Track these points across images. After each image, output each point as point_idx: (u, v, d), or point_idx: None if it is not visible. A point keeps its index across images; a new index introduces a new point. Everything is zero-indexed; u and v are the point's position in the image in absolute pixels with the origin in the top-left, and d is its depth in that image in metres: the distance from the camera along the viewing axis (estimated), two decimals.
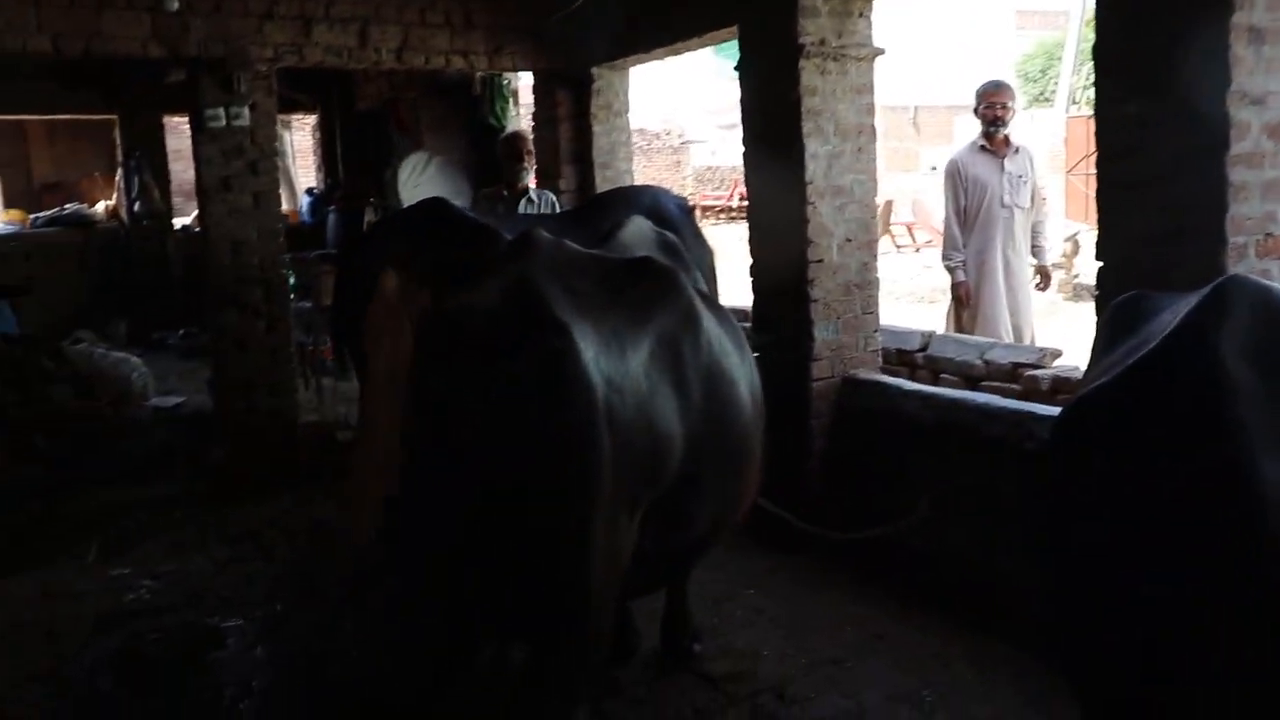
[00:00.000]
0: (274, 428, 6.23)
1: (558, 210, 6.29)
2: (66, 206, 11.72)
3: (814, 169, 4.95)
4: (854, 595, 4.57)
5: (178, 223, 11.72)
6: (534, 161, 6.11)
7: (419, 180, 8.90)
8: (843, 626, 4.32)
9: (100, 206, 12.08)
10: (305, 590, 4.89)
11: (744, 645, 4.20)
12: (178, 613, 4.64)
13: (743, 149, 5.35)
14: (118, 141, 11.91)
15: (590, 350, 2.51)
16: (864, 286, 5.18)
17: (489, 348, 2.46)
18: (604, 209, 5.29)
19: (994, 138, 6.43)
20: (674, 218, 5.41)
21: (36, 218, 11.93)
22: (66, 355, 7.19)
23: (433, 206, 4.86)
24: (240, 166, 6.05)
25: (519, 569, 2.54)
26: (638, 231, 4.09)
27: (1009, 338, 6.35)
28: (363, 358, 4.81)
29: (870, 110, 5.15)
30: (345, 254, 4.77)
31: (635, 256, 3.18)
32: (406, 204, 8.70)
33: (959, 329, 6.61)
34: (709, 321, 3.00)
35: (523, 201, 6.09)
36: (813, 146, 4.94)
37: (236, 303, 6.09)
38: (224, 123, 5.94)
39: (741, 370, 3.12)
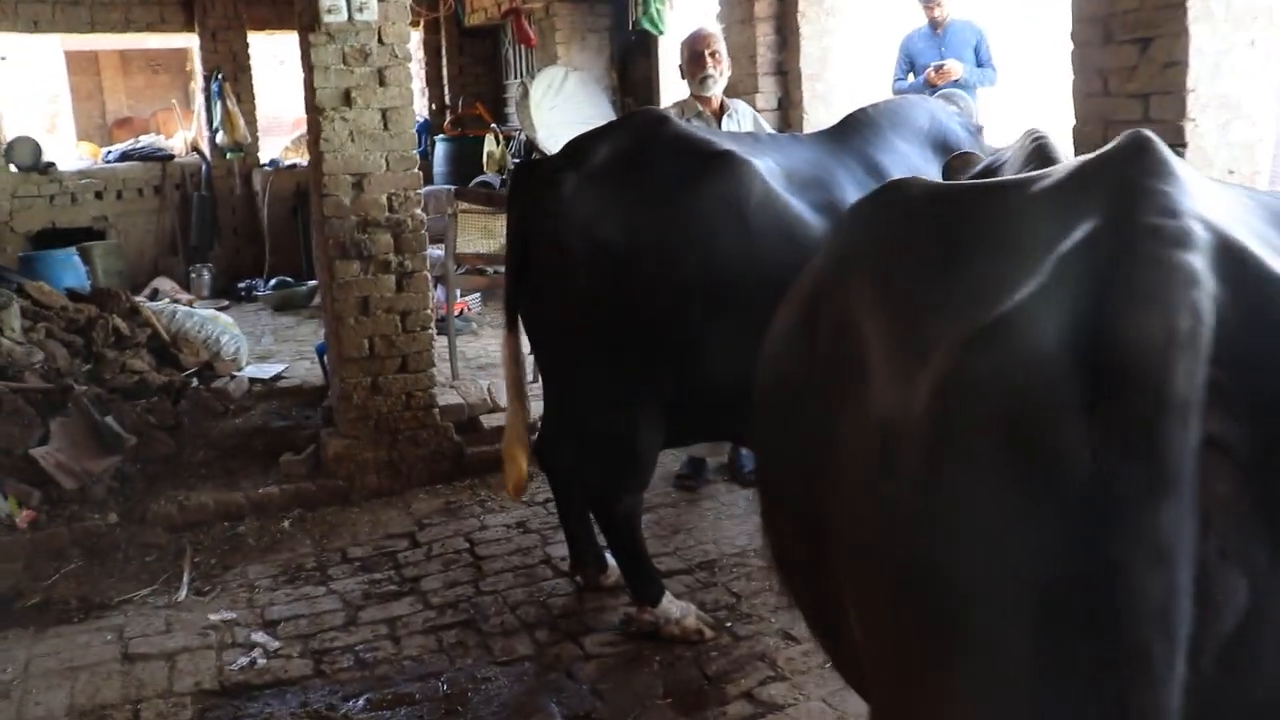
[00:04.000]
0: (407, 412, 4.90)
1: (766, 129, 4.81)
2: (141, 139, 10.47)
3: (1198, 70, 3.41)
4: None
5: (264, 157, 10.40)
6: (724, 67, 4.61)
7: (555, 100, 7.45)
8: None
9: (179, 139, 10.82)
10: (478, 646, 3.55)
11: None
12: (304, 690, 3.33)
13: (1072, 46, 3.80)
14: (196, 72, 10.63)
15: None
16: None
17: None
18: (865, 130, 3.82)
19: None
20: (963, 145, 3.92)
21: (108, 152, 10.68)
22: (144, 315, 5.90)
23: (650, 124, 3.43)
24: (365, 75, 4.65)
25: None
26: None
27: None
28: (541, 317, 3.46)
29: None
30: (530, 187, 3.34)
31: None
32: (542, 128, 7.31)
33: None
34: None
35: (724, 119, 4.61)
36: (1200, 37, 3.39)
37: (359, 253, 4.73)
38: (345, 16, 4.54)
39: None
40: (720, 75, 4.58)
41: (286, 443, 5.16)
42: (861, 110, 3.96)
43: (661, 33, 7.38)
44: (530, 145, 7.57)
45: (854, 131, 3.82)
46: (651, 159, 3.31)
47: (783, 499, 1.69)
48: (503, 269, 5.92)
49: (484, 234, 5.56)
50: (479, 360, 6.40)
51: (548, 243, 3.24)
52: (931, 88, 6.02)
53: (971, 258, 1.26)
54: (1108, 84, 3.63)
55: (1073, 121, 3.80)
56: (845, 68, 5.57)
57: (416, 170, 4.84)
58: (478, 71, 9.96)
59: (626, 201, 3.23)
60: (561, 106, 7.48)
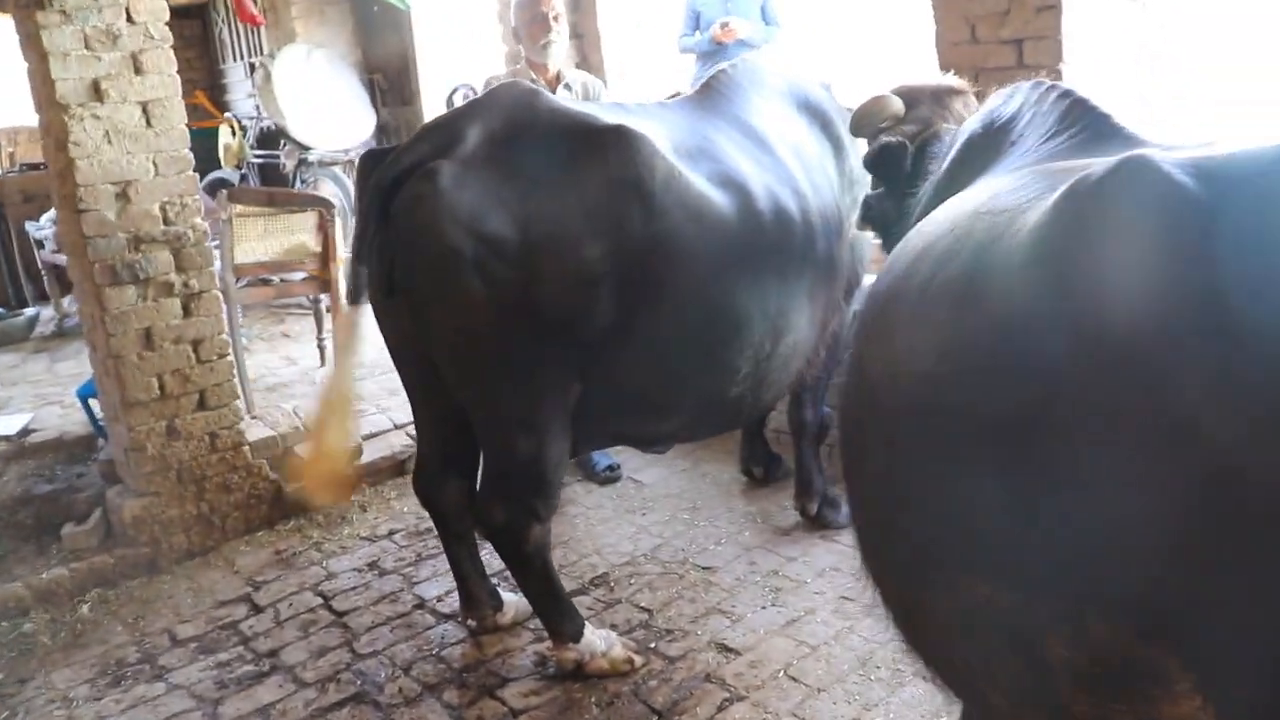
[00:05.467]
0: (213, 455, 4.20)
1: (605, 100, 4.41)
2: None
3: (1073, 13, 3.37)
4: None
5: None
6: (565, 31, 4.18)
7: (302, 82, 6.68)
8: None
9: None
10: None
11: None
12: None
13: None
14: None
15: None
16: None
17: None
18: (730, 93, 3.54)
19: None
20: (824, 107, 3.75)
21: None
22: None
23: (521, 100, 2.97)
24: (116, 61, 3.87)
25: None
26: None
27: None
28: (421, 334, 2.94)
29: None
30: (394, 181, 2.79)
31: None
32: (291, 112, 6.56)
33: None
34: None
35: (560, 90, 4.18)
36: None
37: (134, 276, 3.96)
38: None
39: None
40: (561, 40, 4.14)
41: (62, 511, 4.30)
42: (720, 73, 3.66)
43: (407, 8, 6.76)
44: (280, 133, 6.78)
45: (719, 96, 3.52)
46: (533, 139, 2.87)
47: (972, 561, 1.36)
48: (289, 277, 5.25)
49: (264, 238, 4.84)
50: (264, 380, 5.65)
51: (427, 245, 2.73)
52: (718, 45, 5.82)
53: None
54: (975, 31, 3.52)
55: (937, 70, 3.67)
56: (644, 29, 5.25)
57: (192, 172, 4.10)
58: (188, 56, 8.87)
59: (515, 190, 2.77)
60: (309, 88, 6.73)
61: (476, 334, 2.81)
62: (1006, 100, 2.16)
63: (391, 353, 3.15)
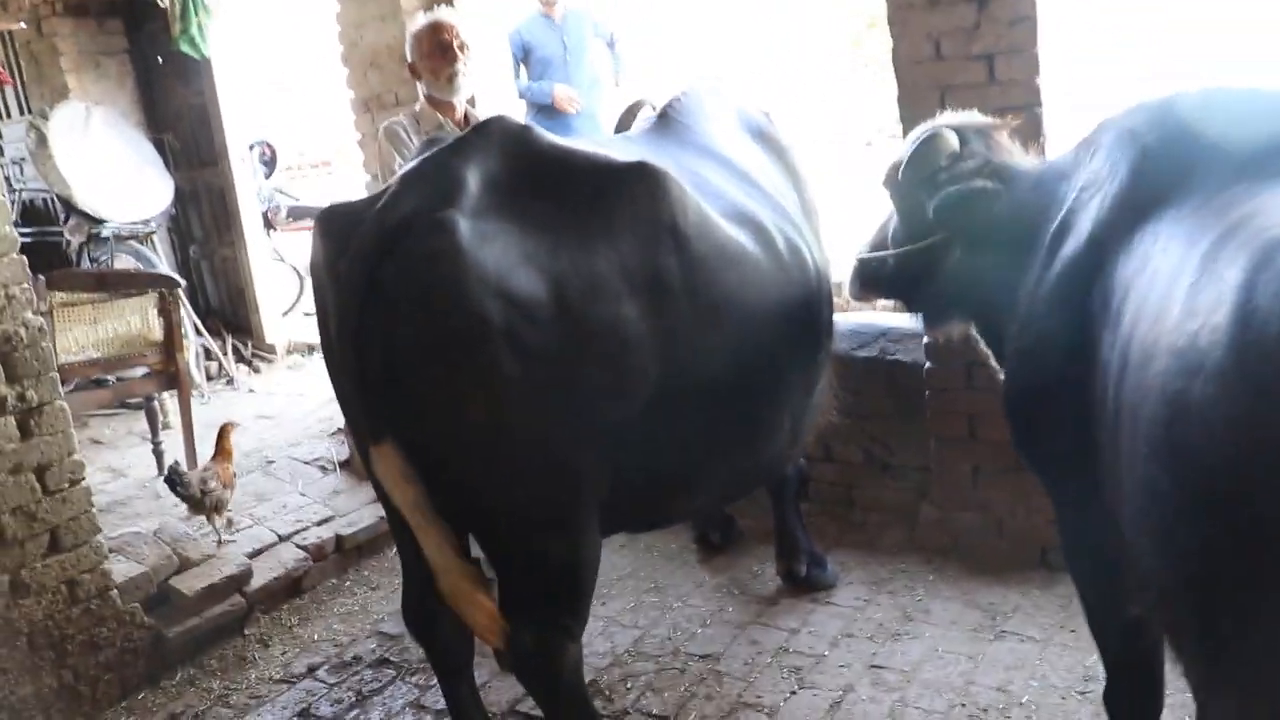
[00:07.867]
0: (74, 608, 3.33)
1: None
2: None
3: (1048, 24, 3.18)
4: None
5: None
6: (473, 58, 3.65)
7: (82, 144, 5.73)
8: None
9: None
10: None
11: None
12: None
13: (889, 9, 3.39)
14: None
15: None
16: None
17: None
18: (693, 125, 3.16)
19: None
20: (777, 135, 3.45)
21: None
22: None
23: (515, 137, 2.44)
24: None
25: None
26: None
27: None
28: (425, 429, 2.31)
29: None
30: (391, 240, 2.18)
31: None
32: (74, 180, 5.65)
33: None
34: None
35: None
36: None
37: None
38: None
39: None
40: (470, 72, 3.59)
41: None
42: (674, 101, 3.24)
43: (204, 55, 5.93)
44: (65, 204, 5.79)
45: (683, 127, 3.13)
46: (545, 182, 2.36)
47: None
48: (126, 374, 4.37)
49: (94, 330, 3.98)
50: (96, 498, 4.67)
51: (446, 313, 2.16)
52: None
53: None
54: (940, 47, 3.28)
55: (896, 90, 3.41)
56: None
57: (17, 255, 3.27)
58: None
59: (541, 243, 2.26)
60: (94, 151, 5.79)
61: (504, 419, 2.25)
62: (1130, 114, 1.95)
63: (366, 457, 2.52)
